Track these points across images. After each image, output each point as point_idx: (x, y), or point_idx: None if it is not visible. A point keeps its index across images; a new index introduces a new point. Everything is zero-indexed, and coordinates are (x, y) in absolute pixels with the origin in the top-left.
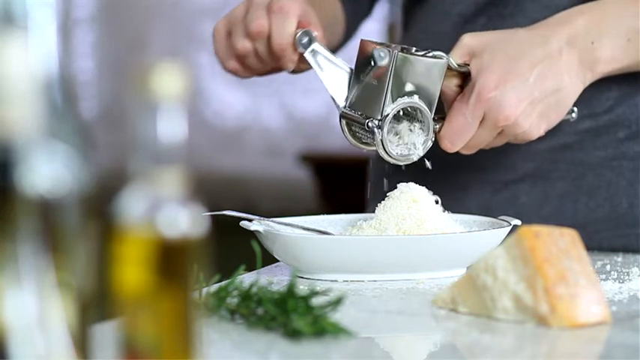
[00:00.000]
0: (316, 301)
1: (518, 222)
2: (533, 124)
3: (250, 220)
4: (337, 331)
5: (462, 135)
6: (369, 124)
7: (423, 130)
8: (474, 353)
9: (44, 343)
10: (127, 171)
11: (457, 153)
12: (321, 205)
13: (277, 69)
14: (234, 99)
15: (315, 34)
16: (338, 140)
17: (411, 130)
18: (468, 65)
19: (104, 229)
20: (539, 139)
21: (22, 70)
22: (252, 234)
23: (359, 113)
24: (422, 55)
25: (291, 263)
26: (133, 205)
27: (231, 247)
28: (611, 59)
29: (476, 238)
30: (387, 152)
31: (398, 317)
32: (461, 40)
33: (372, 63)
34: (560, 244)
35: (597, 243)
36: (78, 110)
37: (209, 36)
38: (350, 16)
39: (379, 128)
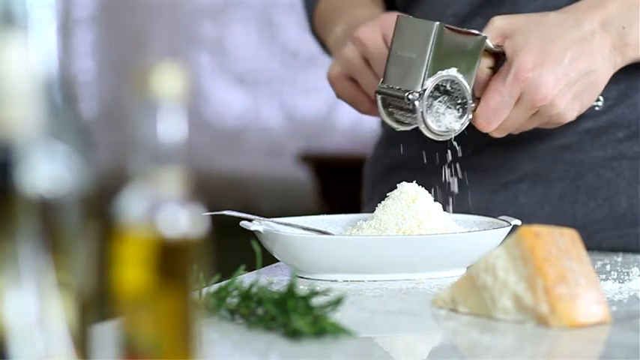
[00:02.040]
0: (316, 301)
1: (518, 222)
2: (568, 106)
3: (250, 220)
4: (337, 331)
5: (498, 114)
6: (410, 96)
7: (459, 107)
8: (474, 353)
9: (44, 343)
10: (127, 171)
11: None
12: (321, 205)
13: None
14: (234, 99)
15: None
16: (338, 140)
17: (448, 107)
18: (501, 46)
19: (104, 229)
20: (539, 139)
21: (22, 70)
22: (252, 234)
23: (397, 88)
24: (463, 31)
25: (291, 263)
26: (133, 205)
27: (231, 247)
28: (638, 45)
29: (476, 238)
30: (426, 126)
31: (398, 317)
32: (492, 22)
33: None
34: (560, 244)
35: (597, 243)
36: (78, 110)
37: (209, 36)
38: None
39: (419, 101)
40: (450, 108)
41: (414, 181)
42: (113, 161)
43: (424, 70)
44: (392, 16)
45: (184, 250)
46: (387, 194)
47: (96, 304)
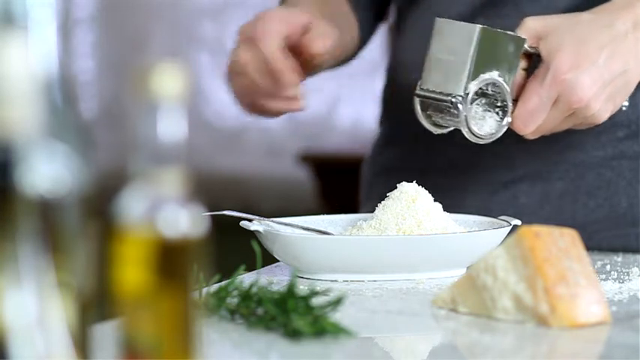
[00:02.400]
0: (316, 301)
1: (518, 222)
2: (602, 107)
3: (250, 220)
4: (337, 331)
5: (536, 116)
6: (453, 100)
7: (498, 110)
8: (474, 353)
9: (44, 343)
10: (127, 171)
11: (457, 152)
12: (321, 205)
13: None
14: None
15: None
16: (338, 140)
17: (486, 110)
18: (536, 48)
19: (104, 229)
20: (539, 138)
21: (22, 70)
22: (252, 234)
23: (438, 92)
24: (503, 33)
25: (291, 263)
26: (133, 205)
27: (231, 247)
28: None
29: (476, 238)
30: (469, 129)
31: (398, 317)
32: (524, 23)
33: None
34: (560, 244)
35: (597, 243)
36: (78, 110)
37: (209, 36)
38: (364, 27)
39: (463, 105)
40: (489, 111)
41: (413, 182)
42: (113, 161)
43: (467, 73)
44: (271, 14)
45: (184, 250)
46: (387, 194)
47: (96, 304)
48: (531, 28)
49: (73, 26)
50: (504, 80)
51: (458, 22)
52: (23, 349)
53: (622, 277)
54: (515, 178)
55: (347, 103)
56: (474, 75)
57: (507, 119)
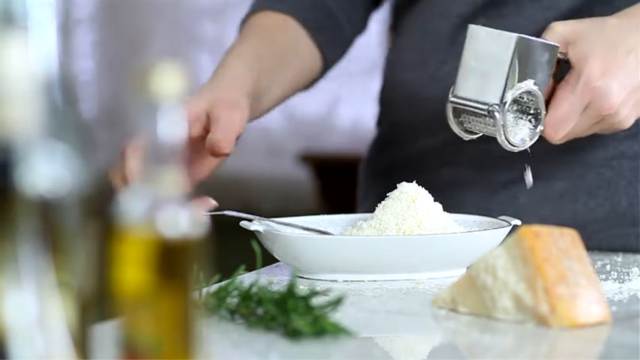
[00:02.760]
0: (316, 301)
1: (518, 222)
2: (629, 113)
3: (250, 220)
4: (337, 331)
5: (567, 123)
6: (490, 108)
7: (531, 118)
8: (474, 353)
9: (44, 343)
10: None
11: (456, 152)
12: (321, 205)
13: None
14: None
15: None
16: (338, 140)
17: (518, 118)
18: (565, 54)
19: (104, 229)
20: (539, 138)
21: (22, 70)
22: (252, 234)
23: (474, 100)
24: (538, 41)
25: (291, 263)
26: (133, 205)
27: (231, 247)
28: None
29: (476, 238)
30: (506, 138)
31: (398, 317)
32: (552, 29)
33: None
34: (560, 244)
35: (597, 243)
36: (78, 110)
37: (209, 36)
38: (329, 49)
39: (500, 113)
40: (521, 118)
41: (413, 182)
42: (113, 161)
43: (505, 82)
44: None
45: (184, 250)
46: (387, 194)
47: (96, 304)
48: (559, 33)
49: (73, 26)
50: (539, 88)
51: (493, 30)
52: (23, 349)
53: (622, 277)
54: (515, 178)
55: (347, 103)
56: (510, 83)
57: (540, 127)
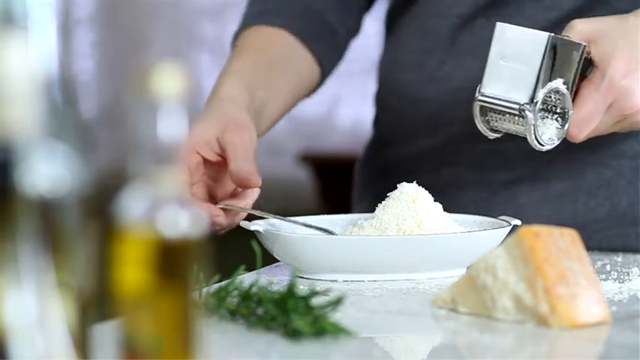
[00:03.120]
0: (316, 301)
1: (518, 222)
2: None
3: (260, 218)
4: (337, 331)
5: (590, 122)
6: (522, 107)
7: (557, 117)
8: (474, 353)
9: (44, 343)
10: (127, 171)
11: (455, 152)
12: (321, 205)
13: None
14: None
15: None
16: (338, 140)
17: (546, 117)
18: (587, 52)
19: (104, 229)
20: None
21: (22, 70)
22: (252, 234)
23: (504, 99)
24: (566, 40)
25: (291, 263)
26: (133, 205)
27: (231, 247)
28: None
29: (476, 238)
30: (536, 138)
31: (398, 317)
32: (573, 27)
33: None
34: (560, 244)
35: (597, 242)
36: (78, 110)
37: (209, 36)
38: (325, 56)
39: (532, 112)
40: (546, 117)
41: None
42: (113, 161)
43: (536, 81)
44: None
45: (184, 250)
46: (388, 194)
47: (96, 304)
48: (580, 31)
49: (73, 26)
50: (567, 88)
51: (523, 28)
52: (23, 349)
53: (622, 277)
54: (515, 178)
55: (347, 103)
56: (541, 82)
57: (567, 126)
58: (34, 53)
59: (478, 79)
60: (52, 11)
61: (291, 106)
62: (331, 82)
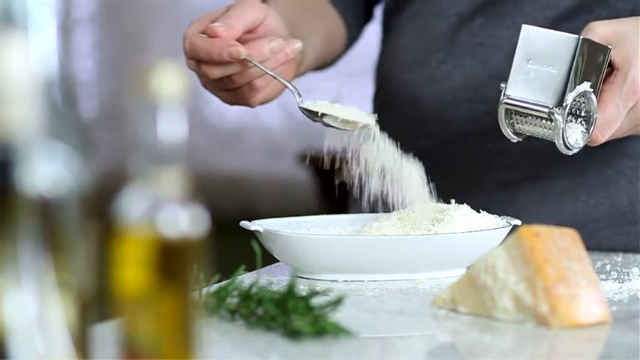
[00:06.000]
0: (316, 301)
1: (518, 222)
2: None
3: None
4: (337, 331)
5: (612, 125)
6: (551, 110)
7: (582, 121)
8: (474, 353)
9: (44, 343)
10: (127, 171)
11: (455, 152)
12: (321, 205)
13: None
14: None
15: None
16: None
17: (571, 120)
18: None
19: (104, 229)
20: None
21: (22, 70)
22: (252, 234)
23: (532, 102)
24: (594, 43)
25: (291, 263)
26: (133, 205)
27: (231, 247)
28: None
29: (476, 238)
30: (564, 141)
31: (398, 317)
32: (592, 29)
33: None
34: (560, 244)
35: (597, 242)
36: (78, 110)
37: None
38: (351, 21)
39: (562, 116)
40: (571, 120)
41: None
42: (113, 161)
43: (566, 84)
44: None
45: (184, 250)
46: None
47: (96, 304)
48: (600, 33)
49: (73, 26)
50: (594, 91)
51: (550, 31)
52: (23, 349)
53: (622, 277)
54: (515, 177)
55: (347, 103)
56: (570, 86)
57: (592, 130)
58: (34, 53)
59: (478, 78)
60: (52, 11)
61: (326, 55)
62: (331, 82)
